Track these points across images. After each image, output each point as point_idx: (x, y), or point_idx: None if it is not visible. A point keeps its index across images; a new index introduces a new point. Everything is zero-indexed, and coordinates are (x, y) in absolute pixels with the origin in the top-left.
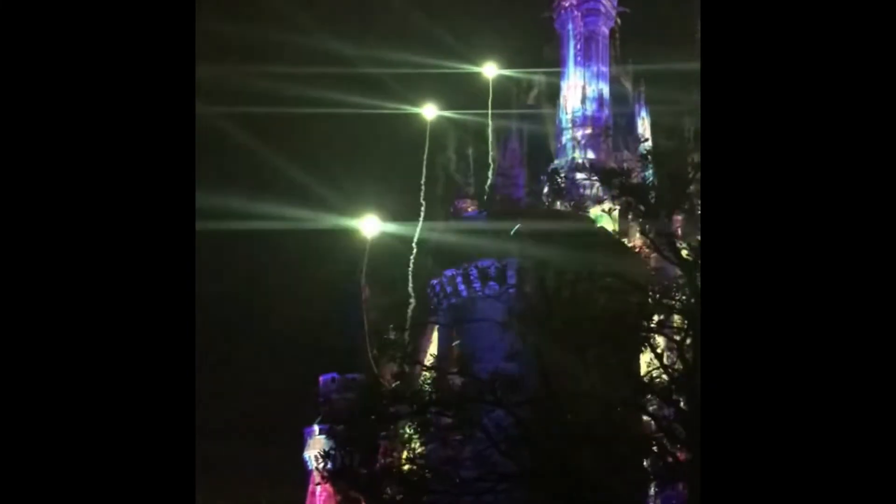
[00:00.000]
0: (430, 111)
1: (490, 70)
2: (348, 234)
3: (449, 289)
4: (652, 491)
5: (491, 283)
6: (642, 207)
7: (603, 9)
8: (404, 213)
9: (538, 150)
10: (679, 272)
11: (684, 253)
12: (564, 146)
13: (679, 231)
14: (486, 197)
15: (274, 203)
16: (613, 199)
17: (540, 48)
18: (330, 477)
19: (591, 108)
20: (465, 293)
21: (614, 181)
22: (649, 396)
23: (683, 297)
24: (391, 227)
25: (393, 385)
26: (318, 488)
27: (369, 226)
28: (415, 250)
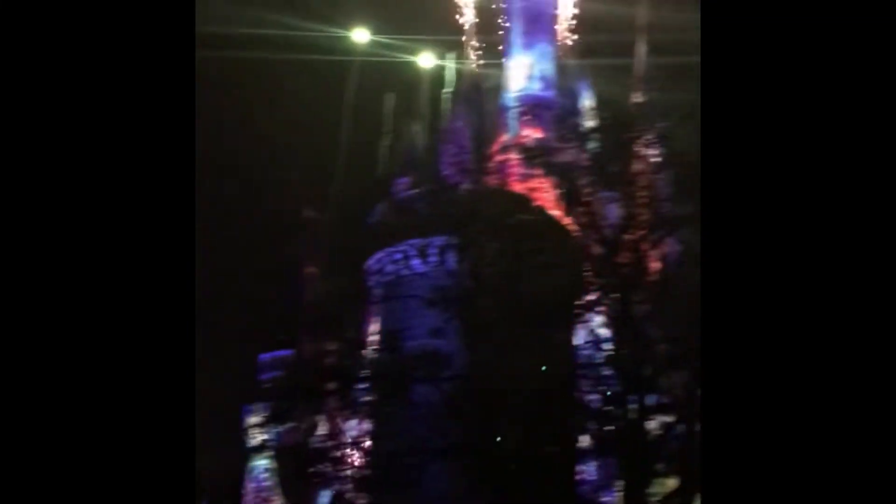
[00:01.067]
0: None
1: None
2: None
3: (384, 267)
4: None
5: (421, 260)
6: (566, 187)
7: None
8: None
9: (482, 129)
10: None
11: (607, 232)
12: (509, 124)
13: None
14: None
15: None
16: (538, 177)
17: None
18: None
19: (536, 86)
20: (398, 271)
21: (539, 159)
22: (582, 373)
23: (608, 278)
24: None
25: (324, 361)
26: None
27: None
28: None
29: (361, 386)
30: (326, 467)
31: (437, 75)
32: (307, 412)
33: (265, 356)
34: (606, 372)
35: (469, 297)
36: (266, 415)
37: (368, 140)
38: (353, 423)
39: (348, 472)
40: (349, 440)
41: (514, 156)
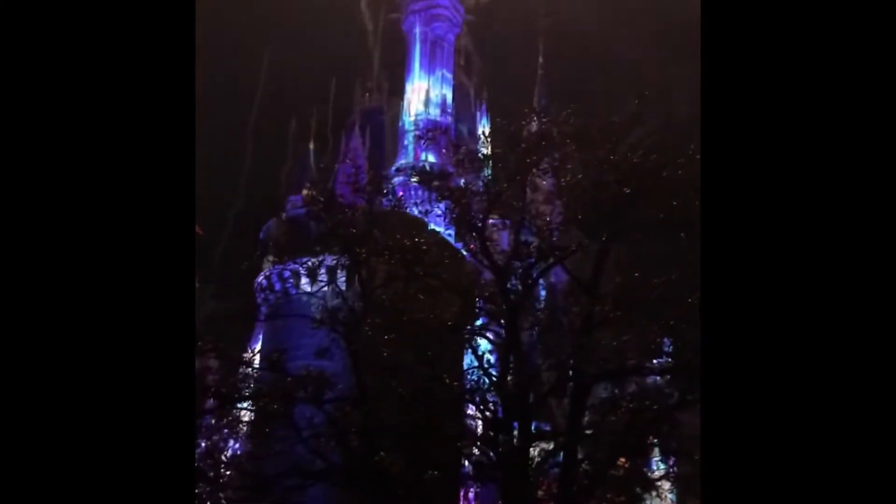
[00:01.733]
0: None
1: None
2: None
3: (272, 285)
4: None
5: (308, 280)
6: (459, 212)
7: (450, 15)
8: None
9: (379, 150)
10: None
11: (497, 258)
12: (406, 147)
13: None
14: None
15: None
16: (432, 201)
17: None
18: None
19: (434, 111)
20: (287, 290)
21: (434, 184)
22: (469, 397)
23: (496, 304)
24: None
25: (205, 378)
26: None
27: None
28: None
29: (243, 405)
30: (204, 488)
31: (336, 97)
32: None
33: None
34: (491, 398)
35: (357, 318)
36: None
37: (263, 158)
38: (232, 442)
39: (226, 494)
40: (228, 460)
41: (409, 178)
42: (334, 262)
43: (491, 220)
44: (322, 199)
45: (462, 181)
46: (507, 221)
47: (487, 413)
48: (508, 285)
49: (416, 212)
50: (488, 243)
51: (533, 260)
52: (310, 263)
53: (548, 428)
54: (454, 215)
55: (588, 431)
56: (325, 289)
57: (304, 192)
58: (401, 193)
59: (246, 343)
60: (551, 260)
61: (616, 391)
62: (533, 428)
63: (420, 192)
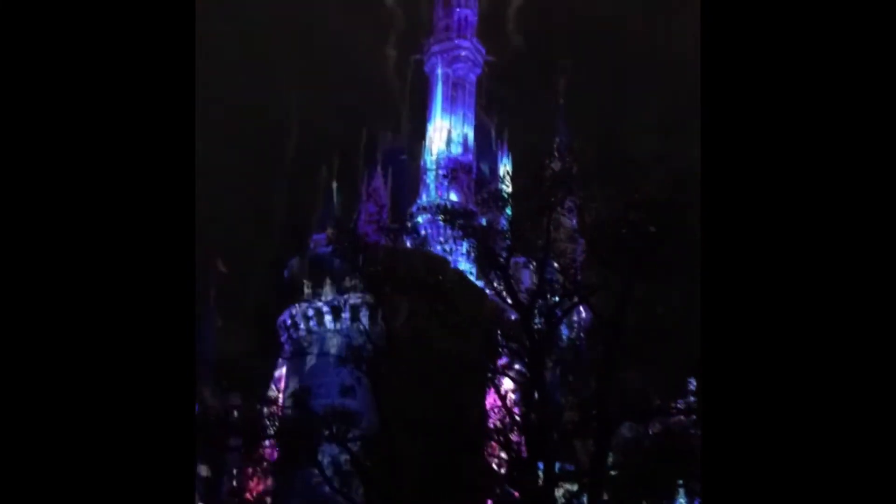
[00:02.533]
0: None
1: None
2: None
3: (295, 323)
4: None
5: (334, 318)
6: (480, 249)
7: (471, 56)
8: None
9: (402, 189)
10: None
11: (521, 297)
12: (428, 186)
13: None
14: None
15: None
16: (455, 240)
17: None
18: None
19: (455, 151)
20: (311, 328)
21: (458, 222)
22: (490, 437)
23: (521, 342)
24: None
25: (232, 416)
26: None
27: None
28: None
29: (267, 443)
30: None
31: (359, 136)
32: (211, 468)
33: None
34: (515, 437)
35: (381, 357)
36: None
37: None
38: (257, 480)
39: None
40: (252, 498)
41: (432, 217)
42: (358, 299)
43: (514, 259)
44: (346, 238)
45: (485, 220)
46: (530, 259)
47: (511, 452)
48: (532, 323)
49: (439, 250)
50: (512, 281)
51: (557, 298)
52: (334, 301)
53: (572, 468)
54: (477, 253)
55: (613, 472)
56: (349, 326)
57: (328, 231)
58: (424, 232)
59: (269, 381)
60: (576, 298)
61: (641, 431)
62: (557, 468)
63: (443, 231)
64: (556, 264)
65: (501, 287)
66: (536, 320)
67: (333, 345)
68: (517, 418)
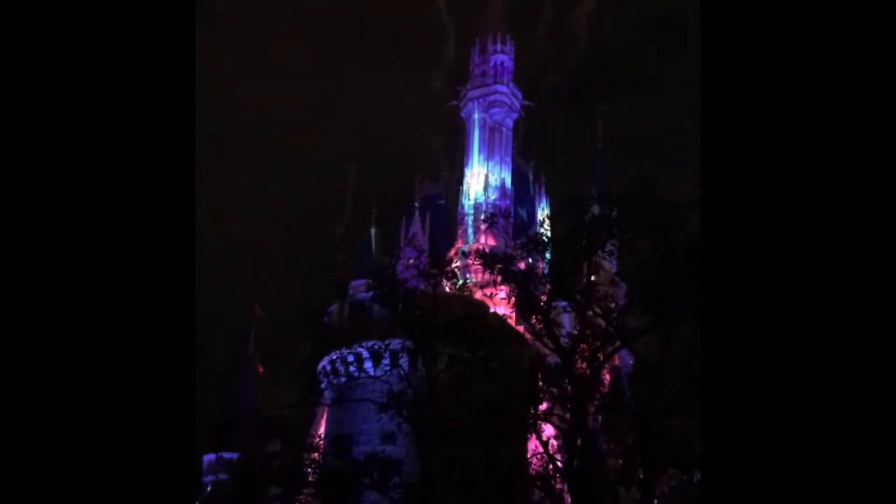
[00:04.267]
0: None
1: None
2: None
3: (336, 369)
4: None
5: (374, 363)
6: (521, 293)
7: (508, 101)
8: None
9: (440, 235)
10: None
11: (562, 342)
12: (466, 231)
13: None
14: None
15: None
16: (495, 284)
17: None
18: None
19: (493, 196)
20: (351, 373)
21: (497, 267)
22: (533, 484)
23: (561, 386)
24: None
25: (271, 464)
26: None
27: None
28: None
29: (308, 490)
30: None
31: (397, 183)
32: None
33: (210, 457)
34: (557, 484)
35: (422, 403)
36: None
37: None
38: None
39: None
40: None
41: (471, 262)
42: (399, 345)
43: (555, 303)
44: (384, 283)
45: (524, 264)
46: (569, 305)
47: (554, 500)
48: (574, 368)
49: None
50: (551, 326)
51: (599, 343)
52: (375, 347)
53: None
54: (517, 298)
55: None
56: (389, 372)
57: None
58: (464, 277)
59: (309, 428)
60: (618, 343)
61: (686, 478)
62: None
63: (482, 276)
64: (597, 309)
65: (542, 331)
66: (578, 365)
67: (373, 391)
68: (559, 465)
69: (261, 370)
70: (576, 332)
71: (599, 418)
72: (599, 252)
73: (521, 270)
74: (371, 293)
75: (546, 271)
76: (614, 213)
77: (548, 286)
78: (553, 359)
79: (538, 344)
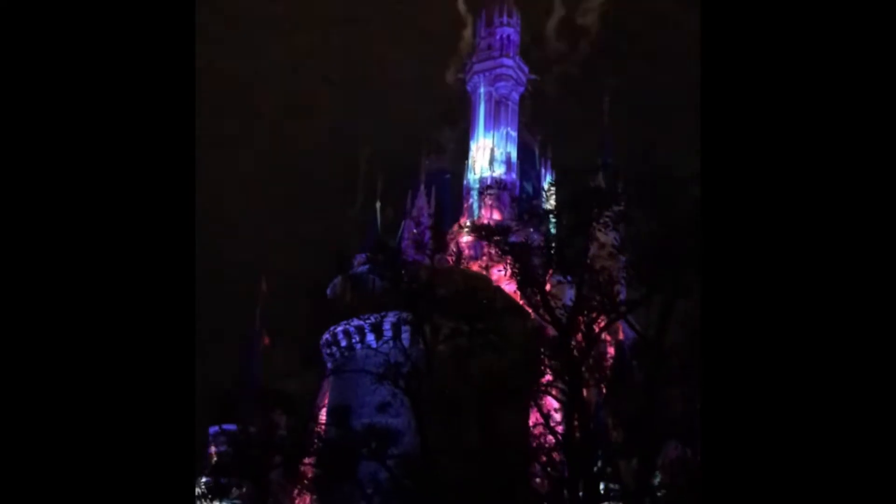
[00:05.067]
0: None
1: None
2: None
3: (337, 341)
4: None
5: (375, 336)
6: (518, 267)
7: (514, 74)
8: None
9: (446, 209)
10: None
11: (560, 314)
12: (471, 205)
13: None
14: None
15: None
16: (491, 257)
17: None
18: None
19: (499, 170)
20: (353, 346)
21: (495, 240)
22: (533, 456)
23: (561, 360)
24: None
25: (273, 435)
26: None
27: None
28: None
29: (308, 460)
30: None
31: (403, 156)
32: (252, 486)
33: (213, 428)
34: (557, 456)
35: (421, 374)
36: (209, 487)
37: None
38: (298, 497)
39: None
40: None
41: (473, 235)
42: (397, 318)
43: (557, 277)
44: (384, 256)
45: (523, 237)
46: (570, 278)
47: (554, 472)
48: (570, 340)
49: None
50: (550, 299)
51: (595, 315)
52: (374, 320)
53: (617, 488)
54: (515, 271)
55: (659, 493)
56: (388, 345)
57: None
58: (467, 251)
59: (313, 400)
60: (614, 315)
61: (687, 451)
62: (601, 488)
63: (482, 249)
64: (595, 281)
65: (539, 304)
66: (576, 337)
67: (374, 364)
68: (559, 437)
69: (267, 342)
70: (574, 305)
71: (603, 391)
72: (595, 224)
73: (518, 243)
74: (373, 266)
75: (544, 244)
76: (614, 186)
77: (546, 258)
78: (552, 331)
79: (537, 316)
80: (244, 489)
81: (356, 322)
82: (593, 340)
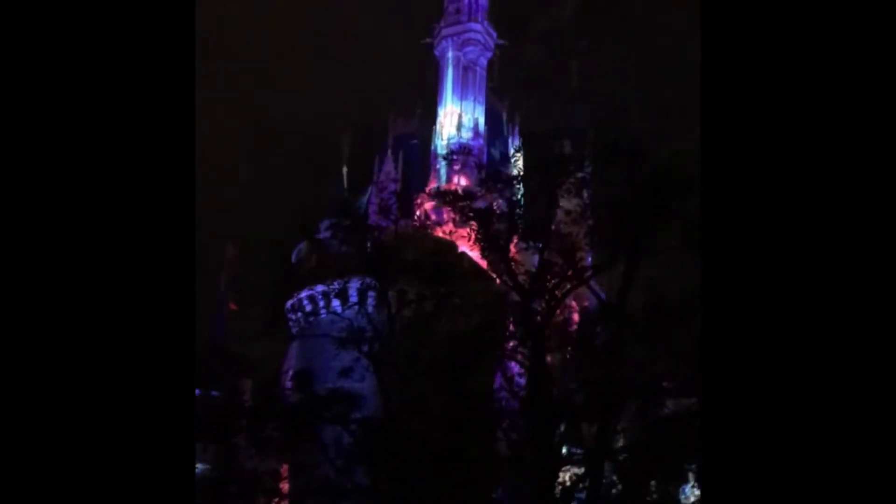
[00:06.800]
0: None
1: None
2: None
3: (304, 307)
4: None
5: (340, 301)
6: (481, 233)
7: (482, 39)
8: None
9: (413, 174)
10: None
11: (523, 279)
12: (439, 171)
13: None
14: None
15: None
16: (455, 222)
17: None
18: None
19: (466, 135)
20: (319, 311)
21: (459, 205)
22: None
23: (524, 325)
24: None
25: (237, 399)
26: None
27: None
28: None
29: (272, 424)
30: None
31: (369, 121)
32: (217, 450)
33: None
34: (521, 420)
35: (384, 339)
36: None
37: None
38: (262, 461)
39: None
40: (257, 479)
41: (438, 201)
42: (361, 284)
43: (519, 243)
44: (347, 221)
45: (487, 202)
46: (534, 243)
47: (517, 435)
48: (532, 306)
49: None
50: (513, 265)
51: (556, 280)
52: (338, 286)
53: (578, 451)
54: (478, 236)
55: (620, 456)
56: (353, 310)
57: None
58: (433, 217)
59: (278, 366)
60: (576, 280)
61: (649, 413)
62: (564, 451)
63: (447, 214)
64: (558, 247)
65: (504, 269)
66: (539, 302)
67: (336, 328)
68: (522, 401)
69: (232, 307)
70: (537, 270)
71: (568, 356)
72: (558, 190)
73: (480, 208)
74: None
75: (508, 209)
76: (580, 152)
77: (510, 224)
78: (515, 296)
79: (501, 281)
80: (207, 452)
81: (320, 288)
82: (556, 305)
